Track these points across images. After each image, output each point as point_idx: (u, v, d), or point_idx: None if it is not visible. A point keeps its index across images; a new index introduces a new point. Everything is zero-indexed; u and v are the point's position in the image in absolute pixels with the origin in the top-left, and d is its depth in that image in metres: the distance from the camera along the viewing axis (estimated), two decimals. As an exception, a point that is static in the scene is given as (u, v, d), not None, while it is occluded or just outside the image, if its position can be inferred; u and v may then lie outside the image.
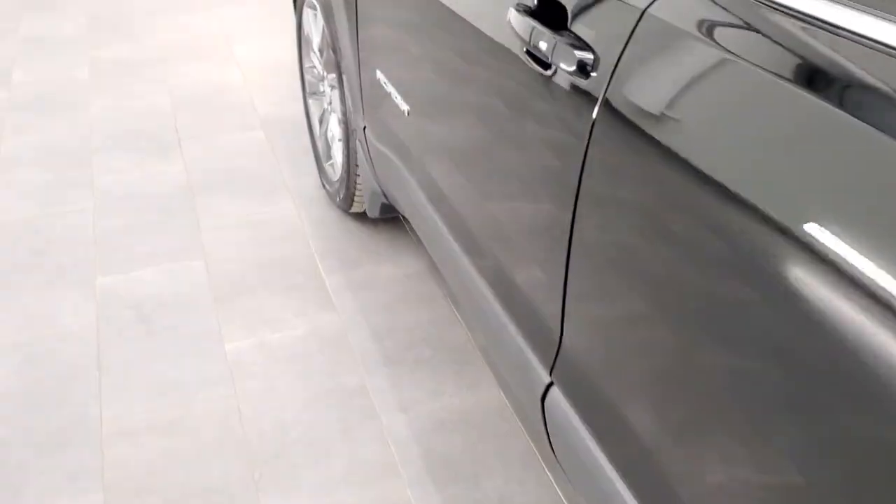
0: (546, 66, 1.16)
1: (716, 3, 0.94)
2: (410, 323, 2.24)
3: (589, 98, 1.06)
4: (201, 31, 4.03)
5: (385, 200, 2.29)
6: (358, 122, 2.23)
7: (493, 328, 1.50)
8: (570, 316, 1.19)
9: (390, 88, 1.88)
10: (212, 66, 3.68)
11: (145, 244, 2.54)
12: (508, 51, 1.26)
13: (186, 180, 2.85)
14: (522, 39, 1.21)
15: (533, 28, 1.18)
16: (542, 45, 1.15)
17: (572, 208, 1.11)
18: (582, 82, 1.08)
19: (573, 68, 1.08)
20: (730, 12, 0.92)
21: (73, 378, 2.04)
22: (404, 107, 1.80)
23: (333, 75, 2.48)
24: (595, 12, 1.10)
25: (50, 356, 2.11)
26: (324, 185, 2.76)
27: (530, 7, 1.21)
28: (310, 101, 2.81)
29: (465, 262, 1.59)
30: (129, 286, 2.37)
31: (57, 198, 2.75)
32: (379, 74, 1.94)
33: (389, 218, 2.57)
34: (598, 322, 1.11)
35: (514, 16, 1.23)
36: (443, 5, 1.52)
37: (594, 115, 1.04)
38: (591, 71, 1.06)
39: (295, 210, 2.70)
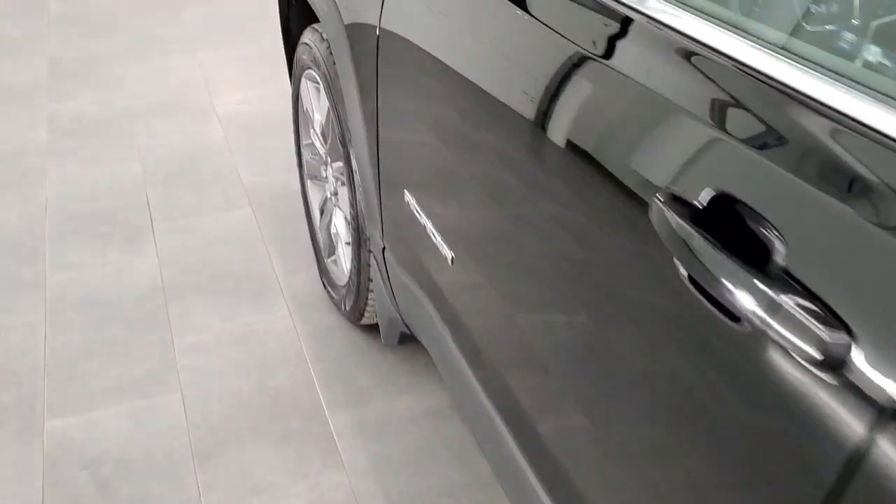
0: (731, 314, 0.71)
1: None
2: (438, 486, 1.79)
3: (835, 403, 0.61)
4: (178, 79, 3.55)
5: (406, 330, 1.84)
6: (375, 238, 1.77)
7: None
8: None
9: (425, 221, 1.42)
10: (190, 123, 3.20)
11: (107, 372, 2.06)
12: (650, 247, 0.81)
13: (159, 279, 2.38)
14: (681, 255, 0.76)
15: (704, 248, 0.73)
16: (726, 285, 0.70)
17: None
18: (822, 376, 0.63)
19: (804, 349, 0.63)
20: None
21: (6, 584, 1.57)
22: (447, 252, 1.35)
23: (340, 164, 2.03)
24: (856, 257, 0.64)
25: (-21, 548, 1.64)
26: (325, 286, 2.30)
27: (698, 206, 0.76)
28: (308, 184, 2.35)
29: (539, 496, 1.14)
30: (85, 434, 1.89)
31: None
32: (408, 197, 1.48)
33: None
34: None
35: (666, 213, 0.78)
36: (522, 120, 1.07)
37: (856, 437, 0.59)
38: (844, 358, 0.61)
39: (290, 319, 2.24)
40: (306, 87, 2.16)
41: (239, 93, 3.43)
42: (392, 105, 1.51)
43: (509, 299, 1.18)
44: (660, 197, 0.79)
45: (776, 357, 0.66)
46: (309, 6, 2.05)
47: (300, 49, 2.11)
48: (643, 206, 0.83)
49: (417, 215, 1.45)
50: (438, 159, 1.35)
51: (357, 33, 1.65)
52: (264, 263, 2.44)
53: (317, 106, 2.13)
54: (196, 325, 2.21)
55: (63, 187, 2.79)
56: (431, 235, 1.40)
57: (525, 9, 1.16)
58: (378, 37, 1.52)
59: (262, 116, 3.24)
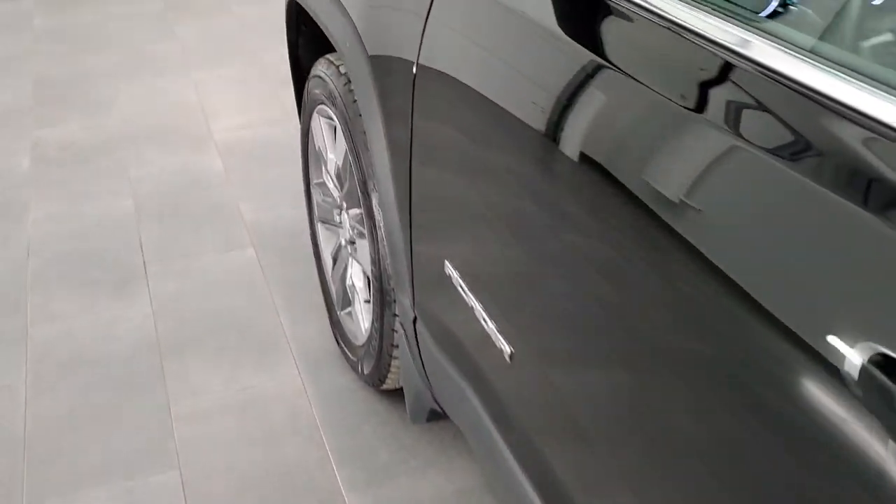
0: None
1: None
2: (476, 587, 1.57)
3: None
4: (172, 102, 3.32)
5: (438, 408, 1.61)
6: (404, 306, 1.55)
7: None
8: None
9: (472, 302, 1.20)
10: (186, 151, 2.97)
11: (96, 446, 1.83)
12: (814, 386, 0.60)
13: (153, 332, 2.15)
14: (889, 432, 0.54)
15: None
16: None
17: None
18: None
19: None
20: None
21: None
22: (504, 346, 1.12)
23: (358, 212, 1.81)
24: None
25: None
26: (338, 341, 2.07)
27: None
28: (319, 227, 2.13)
29: None
30: (70, 524, 1.67)
31: (-25, 369, 2.04)
32: (450, 270, 1.26)
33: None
34: None
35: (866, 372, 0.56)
36: (609, 180, 0.86)
37: None
38: None
39: (300, 379, 2.01)
40: (318, 123, 1.93)
41: (238, 117, 3.20)
42: (430, 156, 1.29)
43: (591, 414, 0.96)
44: (867, 355, 0.57)
45: None
46: (323, 34, 1.83)
47: (312, 82, 1.89)
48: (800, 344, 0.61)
49: (462, 293, 1.23)
50: (492, 226, 1.13)
51: (387, 69, 1.43)
52: (269, 313, 2.21)
53: (331, 145, 1.91)
54: (195, 388, 1.98)
55: (47, 225, 2.56)
56: (482, 321, 1.18)
57: (601, 54, 0.96)
58: (415, 75, 1.30)
59: (264, 143, 3.02)
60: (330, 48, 1.87)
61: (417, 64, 1.29)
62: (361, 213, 1.80)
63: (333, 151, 1.89)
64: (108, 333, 2.14)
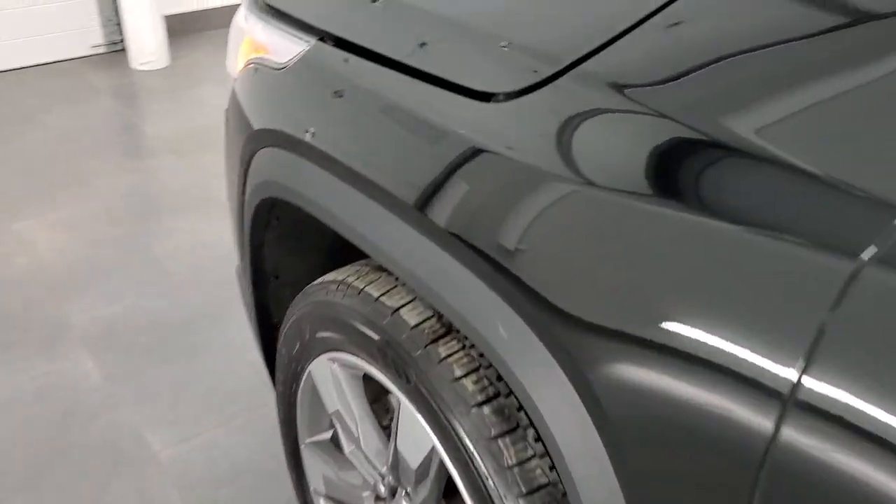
0: None
1: None
2: None
3: None
4: (-5, 274, 2.39)
5: None
6: None
7: None
8: None
9: None
10: (38, 356, 2.07)
11: None
12: None
13: None
14: None
15: None
16: None
17: None
18: None
19: None
20: None
21: None
22: None
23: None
24: None
25: None
26: None
27: None
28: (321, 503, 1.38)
29: None
30: None
31: None
32: None
33: None
34: None
35: None
36: None
37: None
38: None
39: None
40: (328, 374, 1.19)
41: (99, 286, 2.32)
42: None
43: None
44: None
45: None
46: (308, 230, 1.09)
47: (309, 310, 1.15)
48: None
49: None
50: None
51: (647, 372, 0.70)
52: None
53: (363, 412, 1.17)
54: None
55: None
56: None
57: None
58: (787, 403, 0.59)
59: (147, 324, 2.17)
60: (345, 255, 1.14)
61: (798, 384, 0.59)
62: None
63: (371, 428, 1.16)
64: None
